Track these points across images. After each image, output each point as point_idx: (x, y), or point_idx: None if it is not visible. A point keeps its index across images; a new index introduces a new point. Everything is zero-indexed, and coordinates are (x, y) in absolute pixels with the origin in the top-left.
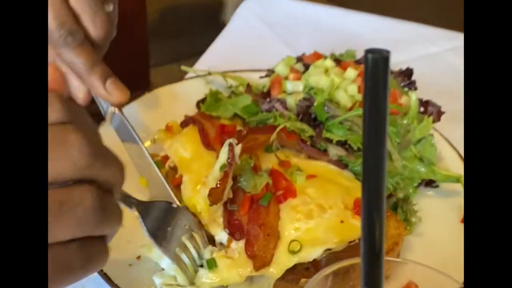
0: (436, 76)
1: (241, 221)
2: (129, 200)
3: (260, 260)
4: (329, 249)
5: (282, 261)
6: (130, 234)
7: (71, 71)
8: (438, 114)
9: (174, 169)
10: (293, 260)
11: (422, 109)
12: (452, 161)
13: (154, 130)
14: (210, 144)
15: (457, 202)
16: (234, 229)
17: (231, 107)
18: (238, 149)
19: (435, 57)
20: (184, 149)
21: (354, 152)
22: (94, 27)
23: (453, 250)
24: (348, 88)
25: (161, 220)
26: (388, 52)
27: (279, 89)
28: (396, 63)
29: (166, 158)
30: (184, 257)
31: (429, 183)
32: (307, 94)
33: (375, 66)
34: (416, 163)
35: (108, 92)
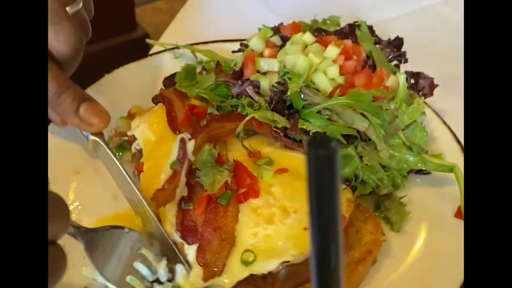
0: (429, 34)
1: (195, 223)
2: (76, 231)
3: (211, 270)
4: (287, 261)
5: (234, 272)
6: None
7: None
8: (431, 87)
9: (141, 151)
10: (245, 273)
11: (412, 81)
12: (445, 142)
13: (118, 116)
14: (177, 127)
15: (451, 192)
16: (187, 232)
17: (196, 89)
18: (190, 145)
19: (427, 11)
20: (151, 130)
21: None
22: (57, 43)
23: (447, 251)
24: (328, 70)
25: (110, 249)
26: (336, 144)
27: (252, 68)
28: (384, 21)
29: (133, 138)
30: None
31: (420, 171)
32: (282, 79)
33: (320, 165)
34: (404, 152)
35: (83, 121)
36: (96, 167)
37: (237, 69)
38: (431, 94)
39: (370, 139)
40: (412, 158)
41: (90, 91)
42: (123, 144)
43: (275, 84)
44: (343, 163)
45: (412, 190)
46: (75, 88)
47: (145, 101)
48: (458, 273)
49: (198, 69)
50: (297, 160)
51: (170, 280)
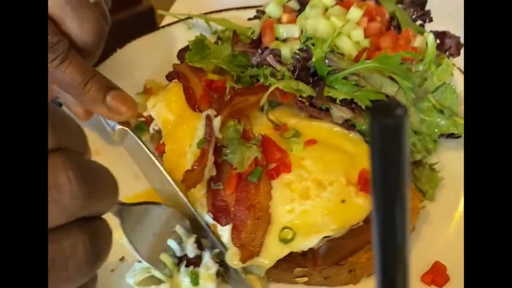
0: None
1: (227, 203)
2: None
3: (248, 251)
4: (328, 236)
5: (272, 251)
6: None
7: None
8: (457, 47)
9: (160, 132)
10: (284, 251)
11: (438, 41)
12: None
13: (133, 92)
14: (196, 104)
15: None
16: (219, 212)
17: (214, 60)
18: (217, 122)
19: None
20: (169, 109)
21: (362, 111)
22: (81, 32)
23: None
24: (352, 34)
25: (145, 225)
26: (402, 110)
27: (271, 35)
28: None
29: (150, 119)
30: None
31: (451, 134)
32: (304, 45)
33: (386, 137)
34: (435, 115)
35: (110, 110)
36: (116, 147)
37: (254, 37)
38: (458, 54)
39: None
40: (443, 122)
41: (103, 66)
42: (140, 125)
43: (298, 51)
44: None
45: (444, 155)
46: (100, 76)
47: (160, 75)
48: None
49: (213, 39)
50: (325, 130)
51: (198, 257)
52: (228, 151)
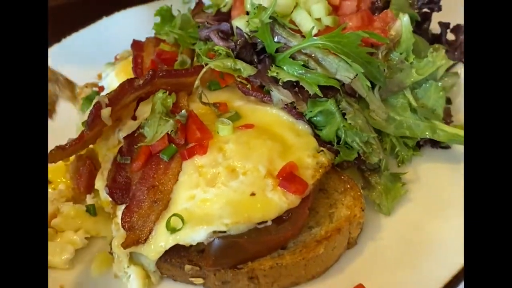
0: None
1: (130, 180)
2: None
3: (134, 235)
4: (223, 231)
5: (159, 240)
6: None
7: None
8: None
9: None
10: (169, 242)
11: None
12: None
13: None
14: (142, 73)
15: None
16: (117, 189)
17: (167, 29)
18: (106, 112)
19: None
20: (118, 79)
21: (309, 97)
22: None
23: (444, 241)
24: (312, 8)
25: None
26: None
27: (240, 9)
28: None
29: (102, 89)
30: None
31: (436, 143)
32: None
33: None
34: (408, 115)
35: None
36: None
37: (225, 10)
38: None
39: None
40: (418, 124)
41: (84, 32)
42: (91, 96)
43: (241, 24)
44: (322, 121)
45: (422, 165)
46: None
47: None
48: (450, 266)
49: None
50: (269, 117)
51: None
52: (146, 123)
